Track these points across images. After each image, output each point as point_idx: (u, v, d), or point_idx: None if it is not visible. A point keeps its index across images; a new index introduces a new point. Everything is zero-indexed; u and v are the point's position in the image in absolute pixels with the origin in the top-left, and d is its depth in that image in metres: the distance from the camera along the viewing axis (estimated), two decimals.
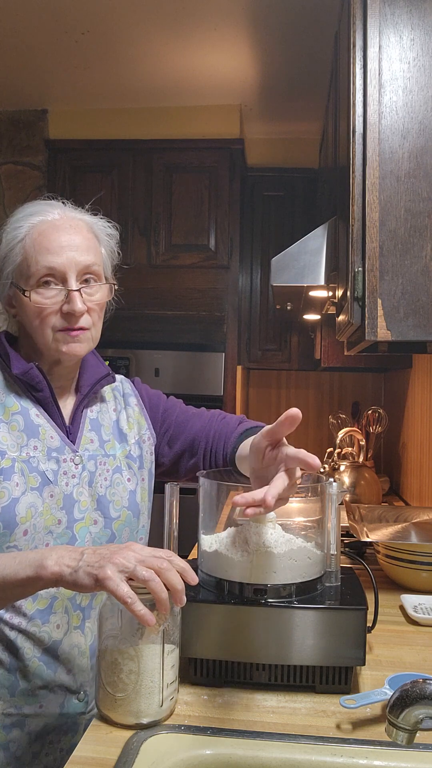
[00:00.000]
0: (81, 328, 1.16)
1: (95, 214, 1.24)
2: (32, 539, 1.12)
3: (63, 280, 1.14)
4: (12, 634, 1.12)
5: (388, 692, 0.99)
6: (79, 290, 1.14)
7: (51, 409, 1.20)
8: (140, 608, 0.89)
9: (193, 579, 0.96)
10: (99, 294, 1.18)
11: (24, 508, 1.11)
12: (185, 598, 0.94)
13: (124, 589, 0.89)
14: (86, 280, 1.17)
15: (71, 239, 1.15)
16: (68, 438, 1.21)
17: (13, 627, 1.12)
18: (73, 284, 1.14)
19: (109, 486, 1.23)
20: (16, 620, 1.12)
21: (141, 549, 0.96)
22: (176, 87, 3.29)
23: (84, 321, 1.16)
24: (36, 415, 1.18)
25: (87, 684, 1.17)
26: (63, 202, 1.22)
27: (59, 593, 1.14)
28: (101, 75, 3.18)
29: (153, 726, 0.95)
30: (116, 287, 1.24)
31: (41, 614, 1.13)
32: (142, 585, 0.91)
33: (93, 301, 1.17)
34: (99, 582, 0.90)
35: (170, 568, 0.93)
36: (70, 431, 1.22)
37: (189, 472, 1.37)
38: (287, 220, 3.65)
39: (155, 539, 1.17)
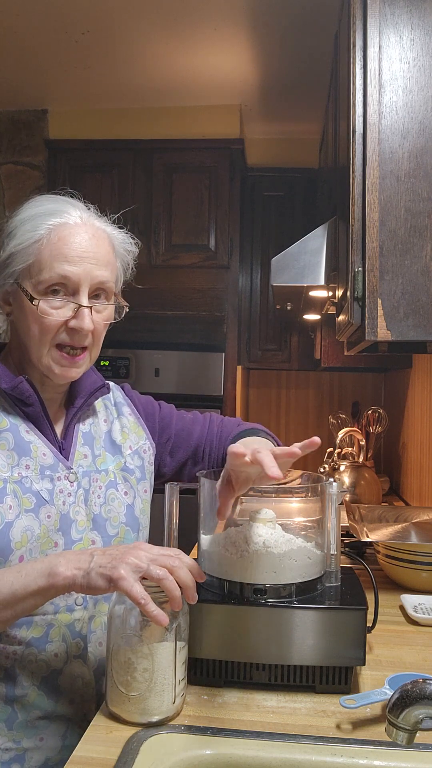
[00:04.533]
0: (83, 348, 1.10)
1: (121, 227, 1.18)
2: None
3: (74, 292, 1.07)
4: (7, 663, 1.06)
5: (388, 692, 0.99)
6: (90, 307, 1.08)
7: (42, 425, 1.13)
8: (153, 609, 0.89)
9: (202, 576, 0.98)
10: (106, 312, 1.12)
11: (19, 533, 1.05)
12: (197, 595, 0.96)
13: (138, 589, 0.90)
14: (96, 295, 1.11)
15: (91, 250, 1.08)
16: (61, 454, 1.14)
17: (8, 656, 1.06)
18: (84, 300, 1.07)
19: (103, 503, 1.17)
20: (11, 648, 1.06)
21: (150, 548, 0.96)
22: (176, 87, 3.28)
23: (87, 340, 1.10)
24: (26, 431, 1.11)
25: (91, 713, 1.07)
26: (87, 205, 1.14)
27: (55, 620, 1.08)
28: (101, 75, 3.18)
29: (166, 723, 0.95)
30: (127, 309, 1.17)
31: (37, 642, 1.07)
32: (155, 584, 0.92)
33: (99, 320, 1.11)
34: (113, 582, 0.91)
35: (182, 566, 0.94)
36: (63, 447, 1.15)
37: (192, 479, 1.33)
38: (287, 220, 3.65)
39: (155, 539, 1.17)
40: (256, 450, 0.96)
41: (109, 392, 1.26)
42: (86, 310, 1.07)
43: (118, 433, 1.25)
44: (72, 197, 1.14)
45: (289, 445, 0.99)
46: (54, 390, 1.17)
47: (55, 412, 1.18)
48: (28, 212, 1.10)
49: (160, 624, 0.91)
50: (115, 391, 1.31)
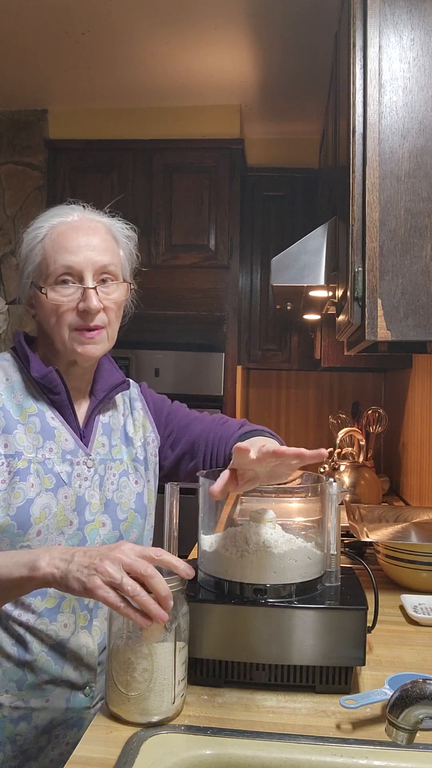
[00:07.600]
0: (97, 327, 1.17)
1: (113, 216, 1.26)
2: (45, 539, 1.13)
3: (80, 279, 1.16)
4: (21, 630, 1.14)
5: (388, 692, 0.99)
6: (95, 288, 1.16)
7: (66, 412, 1.22)
8: (131, 612, 0.89)
9: (187, 574, 0.96)
10: (116, 293, 1.20)
11: (38, 509, 1.13)
12: (171, 604, 0.93)
13: (113, 597, 0.90)
14: (103, 280, 1.19)
15: (89, 240, 1.17)
16: (81, 441, 1.22)
17: (21, 623, 1.14)
18: (90, 282, 1.16)
19: (116, 490, 1.25)
20: (25, 617, 1.14)
21: (131, 550, 0.94)
22: (176, 87, 3.29)
23: (99, 319, 1.17)
24: (51, 417, 1.20)
25: (93, 680, 1.19)
26: (83, 206, 1.24)
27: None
28: (101, 75, 3.18)
29: (166, 723, 0.95)
30: (133, 287, 1.26)
31: (49, 612, 1.15)
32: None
33: (110, 300, 1.18)
34: (87, 591, 0.91)
35: (155, 574, 0.91)
36: (84, 435, 1.24)
37: (189, 475, 1.37)
38: (287, 220, 3.65)
39: (155, 539, 1.17)
40: (263, 446, 0.98)
41: (129, 388, 1.35)
42: (91, 292, 1.16)
43: (131, 427, 1.33)
44: (84, 206, 1.25)
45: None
46: (78, 379, 1.25)
47: (79, 403, 1.26)
48: (35, 220, 1.22)
49: (141, 624, 0.90)
50: (132, 388, 1.39)
